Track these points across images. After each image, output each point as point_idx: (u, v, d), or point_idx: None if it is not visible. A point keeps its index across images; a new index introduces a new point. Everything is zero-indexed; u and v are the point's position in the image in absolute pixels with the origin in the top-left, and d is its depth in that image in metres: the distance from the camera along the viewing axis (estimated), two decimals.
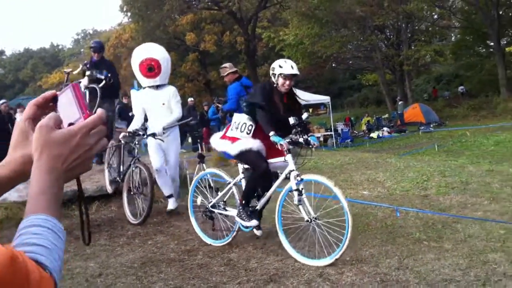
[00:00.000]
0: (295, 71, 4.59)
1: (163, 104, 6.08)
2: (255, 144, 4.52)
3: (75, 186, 0.98)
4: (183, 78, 41.87)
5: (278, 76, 4.58)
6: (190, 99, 17.56)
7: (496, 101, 28.53)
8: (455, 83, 38.98)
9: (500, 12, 31.00)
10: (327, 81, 47.58)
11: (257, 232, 4.72)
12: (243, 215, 4.53)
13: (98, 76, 7.76)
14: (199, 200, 5.11)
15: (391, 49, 34.67)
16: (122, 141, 6.29)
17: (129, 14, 32.88)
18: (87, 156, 0.86)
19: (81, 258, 4.68)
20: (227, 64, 8.16)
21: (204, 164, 7.48)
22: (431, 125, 25.61)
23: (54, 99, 0.92)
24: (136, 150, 6.14)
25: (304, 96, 24.04)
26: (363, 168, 8.71)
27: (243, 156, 4.59)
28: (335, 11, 28.96)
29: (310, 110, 29.52)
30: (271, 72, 4.71)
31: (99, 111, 0.88)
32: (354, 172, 8.32)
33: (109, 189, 6.64)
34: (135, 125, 6.10)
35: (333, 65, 39.67)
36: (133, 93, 17.91)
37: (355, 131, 27.56)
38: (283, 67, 4.58)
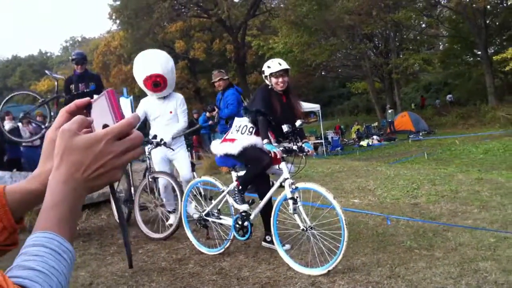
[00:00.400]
0: (283, 66, 4.58)
1: (171, 112, 5.88)
2: (258, 141, 4.49)
3: None
4: None
5: (270, 77, 4.59)
6: None
7: (484, 110, 28.83)
8: (444, 92, 39.37)
9: (487, 21, 31.46)
10: (316, 89, 47.79)
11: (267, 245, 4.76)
12: (237, 198, 4.56)
13: (85, 90, 7.37)
14: (192, 208, 5.06)
15: (380, 58, 34.95)
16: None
17: (118, 21, 32.82)
18: (114, 165, 0.77)
19: (73, 268, 4.63)
20: (216, 72, 8.27)
21: (194, 172, 7.45)
22: (421, 134, 25.81)
23: (88, 106, 0.86)
24: (149, 161, 5.82)
25: None
26: (353, 176, 8.73)
27: (245, 153, 4.53)
28: (324, 19, 29.14)
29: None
30: (263, 76, 4.71)
31: (131, 116, 0.80)
32: (345, 180, 8.34)
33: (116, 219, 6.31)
34: None
35: (323, 73, 39.86)
36: (123, 100, 17.95)
37: (345, 139, 27.68)
38: (271, 66, 4.59)
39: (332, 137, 25.16)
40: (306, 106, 24.92)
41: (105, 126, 0.80)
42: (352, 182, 8.06)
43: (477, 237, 4.55)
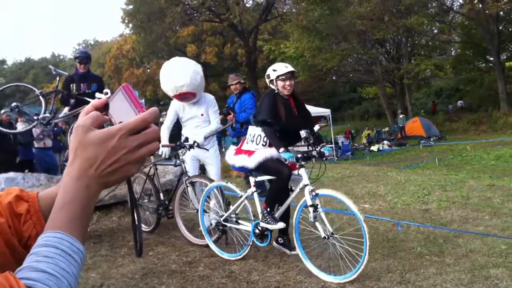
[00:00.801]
0: (290, 68, 4.59)
1: (202, 115, 5.70)
2: (274, 152, 4.42)
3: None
4: None
5: (276, 81, 4.58)
6: None
7: (496, 116, 28.63)
8: (455, 97, 39.15)
9: (500, 28, 31.30)
10: (327, 94, 47.76)
11: (288, 251, 4.59)
12: (268, 219, 4.44)
13: (87, 91, 6.96)
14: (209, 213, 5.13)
15: (391, 63, 34.84)
16: (164, 155, 5.66)
17: (130, 25, 33.04)
18: (128, 160, 0.76)
19: (82, 268, 4.67)
20: (236, 74, 8.35)
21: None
22: (432, 139, 25.68)
23: (106, 106, 0.85)
24: (184, 165, 5.47)
25: None
26: (364, 181, 8.72)
27: (263, 166, 4.45)
28: (336, 24, 29.14)
29: None
30: (268, 81, 4.71)
31: (147, 111, 0.79)
32: (355, 185, 8.33)
33: (144, 227, 6.02)
34: (166, 137, 5.62)
35: (334, 78, 39.84)
36: None
37: (355, 144, 27.62)
38: (278, 69, 4.59)
39: (342, 142, 25.12)
40: (317, 110, 24.94)
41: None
42: (362, 187, 8.04)
43: (488, 243, 4.53)
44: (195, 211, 5.29)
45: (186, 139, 5.37)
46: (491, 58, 32.78)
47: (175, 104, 5.72)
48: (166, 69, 5.62)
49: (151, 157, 5.95)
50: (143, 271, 4.50)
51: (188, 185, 5.38)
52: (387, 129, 31.39)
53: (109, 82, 48.46)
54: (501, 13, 30.08)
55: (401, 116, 29.52)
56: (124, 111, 0.82)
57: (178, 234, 5.74)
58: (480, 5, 29.23)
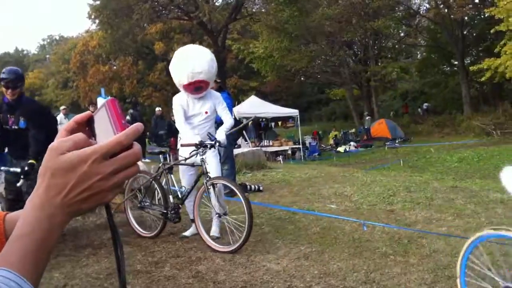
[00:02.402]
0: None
1: (206, 112, 5.38)
2: None
3: None
4: (150, 87, 41.66)
5: None
6: (157, 109, 17.46)
7: (459, 119, 29.30)
8: (420, 100, 39.88)
9: (465, 32, 32.06)
10: (295, 95, 47.98)
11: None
12: None
13: (12, 169, 4.73)
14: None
15: (358, 65, 35.29)
16: (182, 155, 5.30)
17: (97, 21, 32.50)
18: (102, 187, 0.67)
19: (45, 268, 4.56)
20: None
21: (172, 175, 7.40)
22: (397, 141, 26.08)
23: (90, 121, 0.76)
24: (205, 165, 5.04)
25: (273, 109, 24.22)
26: (330, 181, 8.79)
27: None
28: (305, 25, 29.31)
29: (279, 123, 29.72)
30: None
31: (123, 133, 0.69)
32: (322, 185, 8.39)
33: (144, 232, 5.66)
34: (187, 132, 5.22)
35: (302, 79, 40.06)
36: (100, 100, 17.75)
37: (322, 145, 27.80)
38: None
39: (310, 143, 25.26)
40: (285, 111, 25.03)
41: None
42: (329, 187, 8.11)
43: (451, 244, 4.62)
44: (217, 215, 5.07)
45: (211, 138, 5.13)
46: (456, 62, 33.57)
47: (180, 99, 5.34)
48: (183, 54, 5.34)
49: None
50: (108, 271, 4.43)
51: (209, 187, 4.98)
52: (353, 130, 31.72)
53: (74, 79, 47.67)
54: (466, 18, 30.81)
55: (367, 118, 29.89)
56: (104, 130, 0.73)
57: None
58: (446, 10, 29.88)
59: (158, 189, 5.63)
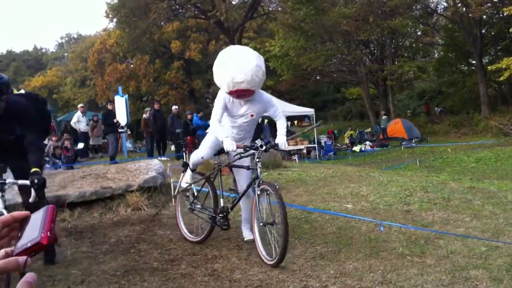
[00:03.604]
0: None
1: (252, 115, 4.93)
2: None
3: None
4: (167, 85, 41.86)
5: None
6: (174, 107, 17.52)
7: (477, 119, 29.00)
8: (437, 100, 39.54)
9: (483, 31, 31.68)
10: (311, 94, 47.90)
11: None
12: None
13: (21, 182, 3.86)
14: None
15: (375, 64, 35.05)
16: (232, 154, 4.84)
17: (114, 20, 32.72)
18: None
19: (62, 264, 4.62)
20: None
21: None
22: (413, 141, 25.91)
23: (25, 219, 0.83)
24: (259, 169, 4.67)
25: (289, 108, 24.24)
26: (346, 181, 8.76)
27: None
28: (321, 24, 29.21)
29: (295, 122, 29.69)
30: None
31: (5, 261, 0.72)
32: (338, 185, 8.36)
33: (191, 236, 5.30)
34: (221, 131, 4.75)
35: (318, 77, 39.93)
36: (118, 99, 17.86)
37: (338, 144, 27.73)
38: None
39: (325, 142, 25.23)
40: (301, 110, 25.00)
41: (30, 242, 0.78)
42: (345, 187, 8.08)
43: (468, 245, 4.59)
44: (262, 224, 4.60)
45: (264, 140, 4.79)
46: (474, 61, 33.19)
47: (225, 94, 4.83)
48: (224, 60, 4.79)
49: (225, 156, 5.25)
50: (125, 268, 4.47)
51: (261, 193, 4.59)
52: (369, 130, 31.58)
53: (92, 77, 48.04)
54: (484, 16, 30.46)
55: (383, 117, 29.73)
56: (33, 229, 0.80)
57: (161, 231, 5.71)
58: (464, 9, 29.55)
59: (210, 191, 5.25)
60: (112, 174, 7.51)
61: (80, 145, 17.17)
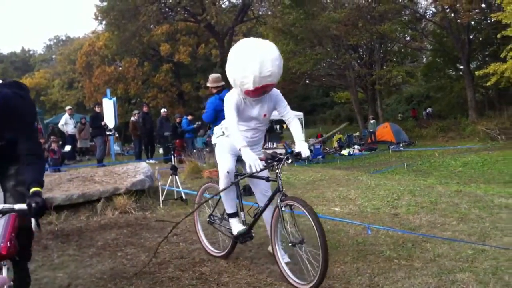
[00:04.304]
0: None
1: (265, 115, 4.41)
2: None
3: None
4: (155, 88, 41.72)
5: None
6: (163, 110, 17.49)
7: (464, 123, 29.27)
8: (425, 104, 39.84)
9: (471, 37, 32.02)
10: (300, 97, 48.02)
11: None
12: None
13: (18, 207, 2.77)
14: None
15: (363, 68, 35.25)
16: (256, 168, 3.90)
17: (103, 22, 32.58)
18: None
19: (49, 268, 4.58)
20: (213, 76, 7.88)
21: (177, 176, 7.44)
22: (401, 145, 26.07)
23: None
24: (280, 181, 4.14)
25: None
26: (334, 185, 8.78)
27: None
28: (311, 28, 29.35)
29: (284, 125, 29.69)
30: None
31: None
32: (326, 188, 8.38)
33: (213, 250, 4.85)
34: (240, 139, 4.09)
35: (307, 81, 40.08)
36: (106, 101, 17.81)
37: (326, 148, 27.81)
38: None
39: (314, 145, 25.28)
40: None
41: None
42: (333, 190, 8.10)
43: (455, 249, 4.61)
44: (291, 244, 3.99)
45: (287, 149, 4.47)
46: (461, 67, 33.55)
47: (236, 96, 4.24)
48: (245, 53, 4.10)
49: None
50: (112, 272, 4.44)
51: (284, 208, 4.03)
52: (358, 133, 31.73)
53: (80, 79, 47.76)
54: (472, 22, 30.80)
55: (372, 121, 29.90)
56: None
57: (148, 235, 5.69)
58: (452, 14, 29.89)
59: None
60: (99, 177, 7.48)
61: (67, 148, 17.04)
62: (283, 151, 4.55)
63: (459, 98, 34.17)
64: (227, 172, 4.36)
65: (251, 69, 3.96)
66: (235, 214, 4.52)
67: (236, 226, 4.45)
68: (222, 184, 4.41)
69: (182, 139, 15.96)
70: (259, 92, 4.12)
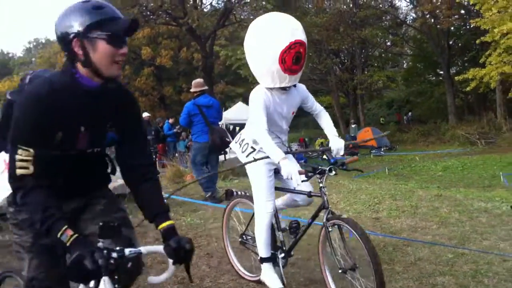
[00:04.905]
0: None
1: (293, 113, 3.89)
2: None
3: None
4: (137, 92, 41.46)
5: None
6: (145, 114, 17.39)
7: (444, 128, 29.60)
8: (406, 109, 40.23)
9: (450, 42, 32.49)
10: None
11: None
12: None
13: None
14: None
15: (345, 73, 35.52)
16: (295, 180, 3.29)
17: None
18: None
19: None
20: (195, 80, 8.25)
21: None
22: (382, 149, 26.26)
23: None
24: (325, 196, 3.55)
25: None
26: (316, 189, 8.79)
27: None
28: None
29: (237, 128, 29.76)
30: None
31: None
32: None
33: (247, 274, 4.24)
34: (277, 150, 3.38)
35: None
36: None
37: (309, 152, 27.85)
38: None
39: (296, 149, 25.35)
40: None
41: None
42: None
43: (435, 252, 4.65)
44: (341, 271, 3.47)
45: (330, 159, 3.72)
46: (441, 72, 33.98)
47: (264, 93, 3.60)
48: (272, 15, 3.69)
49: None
50: None
51: (331, 228, 3.47)
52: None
53: None
54: (452, 28, 31.24)
55: (353, 125, 30.08)
56: None
57: None
58: (432, 20, 30.29)
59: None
60: None
61: None
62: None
63: (439, 103, 34.59)
64: (269, 201, 3.77)
65: (281, 24, 3.49)
66: (269, 259, 3.84)
67: (271, 281, 3.78)
68: (260, 225, 3.79)
69: (164, 143, 15.89)
70: (295, 52, 3.39)
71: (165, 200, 2.35)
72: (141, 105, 38.97)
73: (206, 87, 8.18)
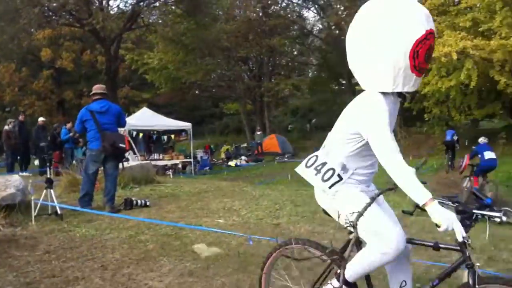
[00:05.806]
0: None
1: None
2: None
3: None
4: (33, 95, 39.32)
5: None
6: (40, 119, 16.56)
7: None
8: (310, 116, 41.49)
9: None
10: (189, 108, 47.72)
11: None
12: None
13: None
14: None
15: (253, 81, 35.98)
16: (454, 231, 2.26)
17: None
18: None
19: None
20: (96, 86, 8.03)
21: (52, 190, 6.99)
22: (286, 156, 26.85)
23: None
24: (468, 252, 2.37)
25: (165, 122, 23.81)
26: (220, 196, 8.80)
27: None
28: (202, 39, 29.37)
29: (172, 136, 29.42)
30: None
31: None
32: (212, 200, 8.37)
33: None
34: (422, 189, 2.34)
35: (197, 92, 40.05)
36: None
37: (214, 159, 27.91)
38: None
39: (201, 157, 25.29)
40: (178, 124, 24.78)
41: None
42: (218, 202, 8.10)
43: None
44: None
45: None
46: (344, 81, 35.44)
47: (384, 103, 2.68)
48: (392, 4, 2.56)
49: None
50: None
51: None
52: (245, 144, 32.21)
53: None
54: None
55: (258, 132, 30.51)
56: None
57: (17, 253, 5.26)
58: (337, 32, 31.56)
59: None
60: None
61: None
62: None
63: (341, 111, 35.92)
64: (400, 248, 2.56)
65: (414, 9, 2.52)
66: None
67: None
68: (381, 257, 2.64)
69: (61, 150, 15.18)
70: (429, 44, 2.52)
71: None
72: (38, 109, 37.11)
73: (104, 92, 7.91)
